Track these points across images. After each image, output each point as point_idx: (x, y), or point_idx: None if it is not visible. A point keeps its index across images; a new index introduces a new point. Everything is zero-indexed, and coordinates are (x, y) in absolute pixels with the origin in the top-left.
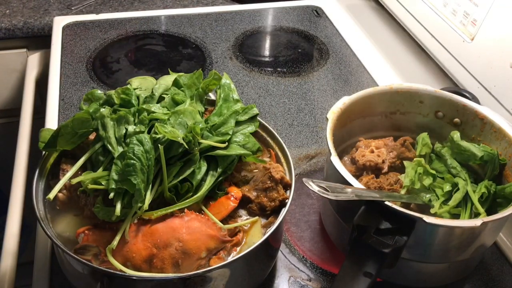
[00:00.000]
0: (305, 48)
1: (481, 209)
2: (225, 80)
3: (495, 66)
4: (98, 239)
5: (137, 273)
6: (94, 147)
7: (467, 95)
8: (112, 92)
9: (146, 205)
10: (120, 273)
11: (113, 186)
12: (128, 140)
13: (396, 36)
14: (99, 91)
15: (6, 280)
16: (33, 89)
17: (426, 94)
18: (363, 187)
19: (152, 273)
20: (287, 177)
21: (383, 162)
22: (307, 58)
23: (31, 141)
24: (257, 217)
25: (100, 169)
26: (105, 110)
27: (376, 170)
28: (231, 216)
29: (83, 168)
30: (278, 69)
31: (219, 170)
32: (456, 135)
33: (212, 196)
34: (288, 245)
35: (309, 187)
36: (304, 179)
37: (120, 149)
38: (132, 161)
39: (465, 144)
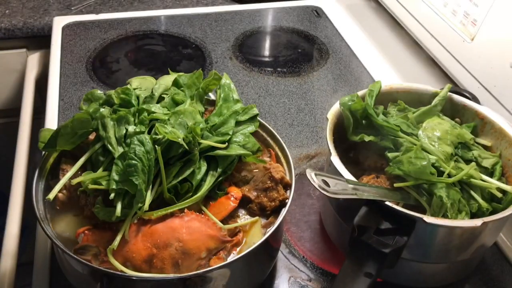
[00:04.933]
0: (305, 48)
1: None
2: (225, 80)
3: (495, 66)
4: (98, 239)
5: (137, 273)
6: (94, 147)
7: (467, 95)
8: (112, 92)
9: (146, 206)
10: (120, 273)
11: (114, 187)
12: (128, 141)
13: (396, 36)
14: (99, 91)
15: (6, 280)
16: (33, 89)
17: (426, 94)
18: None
19: (152, 273)
20: (287, 177)
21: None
22: (307, 58)
23: (31, 141)
24: (257, 217)
25: (100, 169)
26: (105, 110)
27: (380, 170)
28: (231, 216)
29: (83, 168)
30: (278, 69)
31: (219, 170)
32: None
33: (212, 196)
34: (288, 245)
35: (310, 179)
36: (307, 170)
37: (121, 150)
38: (133, 161)
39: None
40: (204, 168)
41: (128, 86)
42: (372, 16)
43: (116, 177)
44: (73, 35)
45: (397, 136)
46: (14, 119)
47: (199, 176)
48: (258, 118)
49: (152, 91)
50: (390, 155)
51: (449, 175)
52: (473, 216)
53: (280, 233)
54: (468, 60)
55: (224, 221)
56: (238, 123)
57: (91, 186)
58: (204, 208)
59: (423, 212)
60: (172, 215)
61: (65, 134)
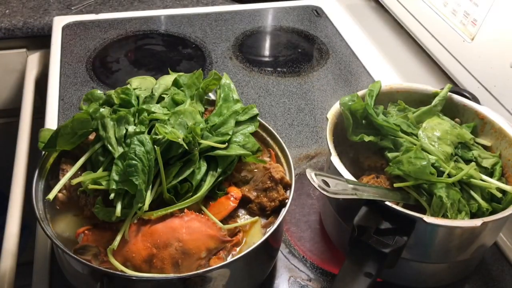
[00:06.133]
0: (305, 48)
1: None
2: (225, 80)
3: (495, 66)
4: (97, 239)
5: (137, 273)
6: (94, 147)
7: (467, 95)
8: (112, 92)
9: (146, 206)
10: (120, 273)
11: (114, 187)
12: (128, 141)
13: (396, 36)
14: (98, 91)
15: (6, 280)
16: (32, 89)
17: (426, 94)
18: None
19: (152, 273)
20: (287, 177)
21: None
22: (307, 58)
23: (31, 141)
24: (257, 217)
25: (100, 170)
26: (105, 110)
27: (380, 170)
28: (231, 216)
29: (83, 168)
30: (278, 69)
31: (219, 170)
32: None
33: (212, 196)
34: (288, 245)
35: (310, 179)
36: (307, 170)
37: (121, 150)
38: (133, 161)
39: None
40: (204, 168)
41: (128, 86)
42: (372, 16)
43: (116, 177)
44: (73, 35)
45: (397, 136)
46: (14, 119)
47: (199, 176)
48: (258, 118)
49: (152, 91)
50: (390, 155)
51: (449, 175)
52: (473, 216)
53: (280, 233)
54: (468, 60)
55: (224, 221)
56: (238, 123)
57: (91, 186)
58: (204, 208)
59: (423, 212)
60: (172, 215)
61: (65, 134)
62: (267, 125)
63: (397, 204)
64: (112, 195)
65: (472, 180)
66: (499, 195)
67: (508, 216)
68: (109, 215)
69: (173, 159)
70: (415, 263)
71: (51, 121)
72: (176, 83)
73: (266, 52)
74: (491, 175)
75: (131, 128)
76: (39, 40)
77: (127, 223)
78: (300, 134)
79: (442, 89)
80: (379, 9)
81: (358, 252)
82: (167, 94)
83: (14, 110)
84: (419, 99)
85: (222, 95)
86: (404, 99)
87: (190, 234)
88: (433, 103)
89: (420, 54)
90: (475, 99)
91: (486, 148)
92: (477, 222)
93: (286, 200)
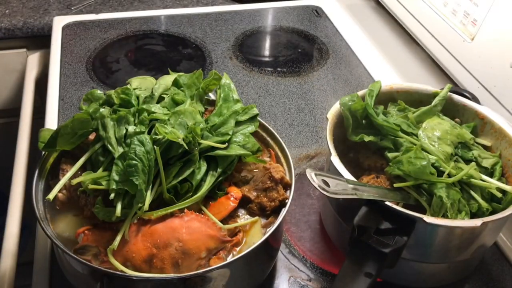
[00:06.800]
0: (305, 48)
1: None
2: (225, 80)
3: (495, 66)
4: (98, 239)
5: (137, 273)
6: (94, 147)
7: (467, 95)
8: (112, 92)
9: (146, 206)
10: (120, 273)
11: (114, 187)
12: (128, 141)
13: (396, 36)
14: (98, 91)
15: (6, 280)
16: (32, 89)
17: (426, 94)
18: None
19: (152, 273)
20: (287, 177)
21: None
22: (307, 58)
23: (31, 141)
24: (257, 217)
25: (100, 170)
26: (105, 110)
27: (380, 170)
28: (231, 216)
29: (83, 168)
30: (278, 69)
31: (219, 170)
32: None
33: (212, 196)
34: (288, 245)
35: (310, 179)
36: (307, 170)
37: (121, 150)
38: (133, 161)
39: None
40: (204, 168)
41: (128, 86)
42: (372, 16)
43: (116, 177)
44: (73, 35)
45: (397, 136)
46: (14, 119)
47: (199, 176)
48: (258, 118)
49: (152, 91)
50: (390, 155)
51: (449, 175)
52: (473, 216)
53: (280, 233)
54: (468, 60)
55: (224, 221)
56: (238, 123)
57: (91, 186)
58: (204, 208)
59: (423, 212)
60: (172, 215)
61: (65, 134)
62: (267, 125)
63: (397, 204)
64: (112, 195)
65: (472, 180)
66: (499, 195)
67: (508, 216)
68: (109, 215)
69: (173, 159)
70: (415, 263)
71: (51, 121)
72: (176, 83)
73: (266, 52)
74: (491, 175)
75: (131, 128)
76: (39, 40)
77: (127, 223)
78: (300, 134)
79: (442, 89)
80: (379, 9)
81: (358, 252)
82: (167, 94)
83: (14, 110)
84: (419, 99)
85: (222, 95)
86: (404, 99)
87: (190, 234)
88: (433, 103)
89: (420, 54)
90: (475, 99)
91: (486, 148)
92: (477, 222)
93: (286, 200)
